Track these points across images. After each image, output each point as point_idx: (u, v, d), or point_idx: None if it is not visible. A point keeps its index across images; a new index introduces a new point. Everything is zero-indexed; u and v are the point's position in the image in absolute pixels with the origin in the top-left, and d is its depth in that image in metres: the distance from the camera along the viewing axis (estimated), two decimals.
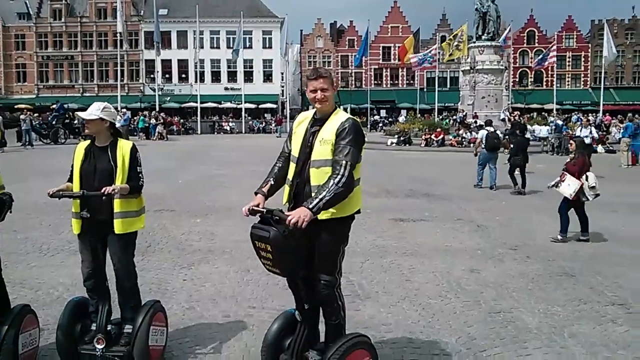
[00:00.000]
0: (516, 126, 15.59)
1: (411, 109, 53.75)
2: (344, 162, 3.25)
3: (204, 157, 23.17)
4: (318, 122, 3.49)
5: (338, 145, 3.32)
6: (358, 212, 3.52)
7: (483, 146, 14.00)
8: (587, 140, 16.17)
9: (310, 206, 3.12)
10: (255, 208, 3.36)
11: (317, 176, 3.35)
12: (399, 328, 4.76)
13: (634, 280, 6.12)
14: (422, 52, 45.92)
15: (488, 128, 14.42)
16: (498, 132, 14.98)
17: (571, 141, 8.81)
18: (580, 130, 19.45)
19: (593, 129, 18.59)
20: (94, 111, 3.90)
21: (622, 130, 22.76)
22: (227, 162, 20.36)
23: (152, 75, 54.75)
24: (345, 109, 27.01)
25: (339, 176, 3.23)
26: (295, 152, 3.51)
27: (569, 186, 8.02)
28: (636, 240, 8.13)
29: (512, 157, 13.13)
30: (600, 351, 4.35)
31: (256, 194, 3.53)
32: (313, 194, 3.23)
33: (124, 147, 3.95)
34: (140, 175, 3.98)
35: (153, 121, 36.76)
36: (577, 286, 5.92)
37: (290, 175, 3.52)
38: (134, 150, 3.98)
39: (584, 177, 8.03)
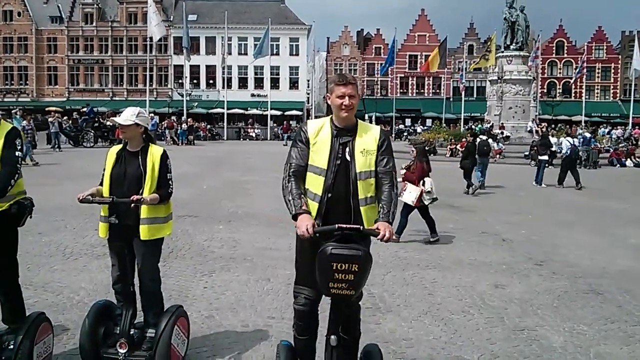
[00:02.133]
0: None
1: (437, 118, 53.41)
2: (392, 172, 3.34)
3: (229, 163, 23.31)
4: (345, 131, 3.33)
5: (382, 156, 3.32)
6: None
7: (476, 152, 15.83)
8: (564, 149, 17.68)
9: (390, 220, 3.18)
10: (322, 228, 3.13)
11: (364, 188, 3.29)
12: (420, 343, 4.68)
13: None
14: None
15: (481, 137, 17.25)
16: (490, 140, 18.30)
17: (413, 148, 9.33)
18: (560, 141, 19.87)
19: (576, 140, 18.49)
20: (129, 116, 3.93)
21: None
22: (252, 169, 20.46)
23: (180, 81, 55.42)
24: (370, 118, 27.42)
25: (394, 187, 3.31)
26: (321, 164, 3.27)
27: (410, 194, 8.60)
28: None
29: (462, 160, 15.30)
30: None
31: (301, 213, 3.14)
32: (381, 207, 3.24)
33: (154, 153, 3.97)
34: (170, 182, 3.99)
35: (184, 126, 37.16)
36: (604, 305, 5.77)
37: (315, 189, 3.29)
38: (164, 157, 3.99)
39: (422, 182, 8.62)
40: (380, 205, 3.26)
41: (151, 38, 38.63)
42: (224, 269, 6.77)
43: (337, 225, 3.06)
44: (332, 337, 3.31)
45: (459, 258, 7.68)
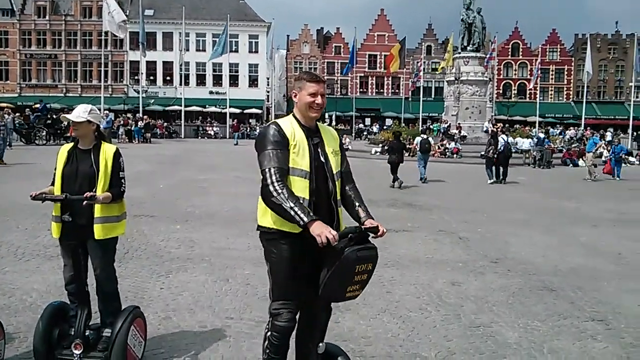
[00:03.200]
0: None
1: (396, 118, 54.04)
2: (350, 170, 3.44)
3: (186, 161, 23.00)
4: (313, 132, 3.25)
5: (343, 156, 3.41)
6: None
7: (418, 149, 18.21)
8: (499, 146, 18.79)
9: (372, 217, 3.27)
10: (344, 231, 3.03)
11: (339, 189, 3.30)
12: (378, 341, 4.70)
13: (613, 296, 6.14)
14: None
15: (422, 135, 20.34)
16: (430, 139, 21.24)
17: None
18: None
19: (504, 137, 19.51)
20: (81, 113, 3.86)
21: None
22: (211, 167, 20.23)
23: (136, 77, 54.34)
24: (330, 117, 27.64)
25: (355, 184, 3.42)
26: (304, 166, 3.13)
27: None
28: (615, 255, 8.18)
29: (390, 155, 16.70)
30: None
31: (314, 220, 2.88)
32: (360, 206, 3.33)
33: (107, 151, 3.91)
34: (122, 180, 3.93)
35: (140, 124, 36.44)
36: (557, 301, 5.92)
37: (302, 193, 3.10)
38: (117, 155, 3.94)
39: None
40: (358, 204, 3.33)
41: (106, 32, 37.77)
42: (181, 269, 6.65)
43: (358, 226, 3.10)
44: (321, 344, 3.31)
45: (417, 256, 7.76)
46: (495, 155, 18.45)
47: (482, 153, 19.99)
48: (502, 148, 18.67)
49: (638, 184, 19.84)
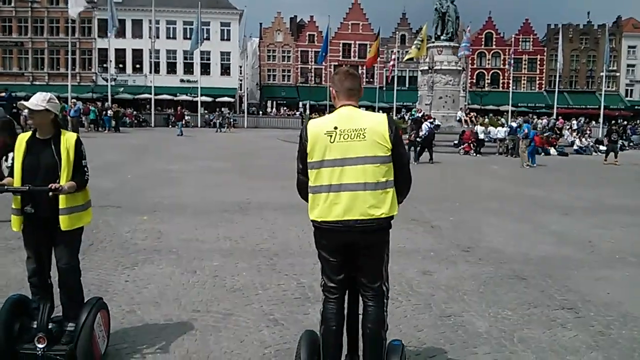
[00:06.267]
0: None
1: (370, 107, 54.04)
2: None
3: (156, 151, 22.65)
4: None
5: None
6: (320, 223, 3.32)
7: None
8: (423, 131, 21.21)
9: None
10: None
11: None
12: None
13: (582, 284, 6.16)
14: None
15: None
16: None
17: None
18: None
19: (427, 124, 21.82)
20: (40, 102, 3.75)
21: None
22: (181, 157, 19.91)
23: (104, 65, 53.22)
24: (304, 105, 27.67)
25: None
26: None
27: None
28: (585, 244, 8.24)
29: None
30: (549, 357, 4.31)
31: None
32: None
33: (68, 140, 3.81)
34: (85, 168, 3.86)
35: (109, 112, 35.72)
36: (527, 289, 5.91)
37: None
38: (78, 143, 3.86)
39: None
40: None
41: (73, 20, 36.85)
42: (147, 261, 6.49)
43: None
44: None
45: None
46: (418, 139, 20.74)
47: (455, 142, 21.08)
48: (426, 133, 20.94)
49: (611, 172, 20.17)
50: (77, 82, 52.67)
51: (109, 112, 35.90)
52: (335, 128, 3.24)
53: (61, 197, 3.68)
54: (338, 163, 3.21)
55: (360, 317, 3.49)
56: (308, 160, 3.28)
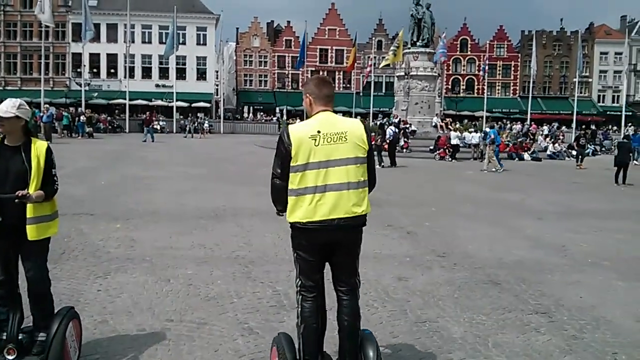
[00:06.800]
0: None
1: (347, 112, 54.19)
2: None
3: (130, 157, 22.37)
4: None
5: None
6: (304, 224, 3.40)
7: None
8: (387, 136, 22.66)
9: None
10: None
11: None
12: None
13: (556, 288, 6.22)
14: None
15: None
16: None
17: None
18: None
19: (392, 128, 23.70)
20: (9, 108, 3.67)
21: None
22: (155, 163, 19.73)
23: (78, 70, 52.41)
24: (281, 111, 27.72)
25: None
26: None
27: None
28: (559, 248, 8.34)
29: None
30: None
31: None
32: None
33: (39, 147, 3.75)
34: (55, 178, 3.80)
35: (82, 118, 35.19)
36: (502, 294, 5.95)
37: None
38: (49, 151, 3.79)
39: None
40: None
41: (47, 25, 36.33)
42: (119, 270, 6.37)
43: None
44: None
45: (365, 252, 7.51)
46: (384, 144, 21.82)
47: (431, 147, 21.50)
48: (391, 137, 22.25)
49: (583, 177, 20.51)
50: (51, 87, 51.89)
51: (82, 117, 35.37)
52: (319, 132, 3.37)
53: (29, 207, 3.61)
54: (323, 165, 3.35)
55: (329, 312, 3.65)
56: (292, 164, 3.35)
